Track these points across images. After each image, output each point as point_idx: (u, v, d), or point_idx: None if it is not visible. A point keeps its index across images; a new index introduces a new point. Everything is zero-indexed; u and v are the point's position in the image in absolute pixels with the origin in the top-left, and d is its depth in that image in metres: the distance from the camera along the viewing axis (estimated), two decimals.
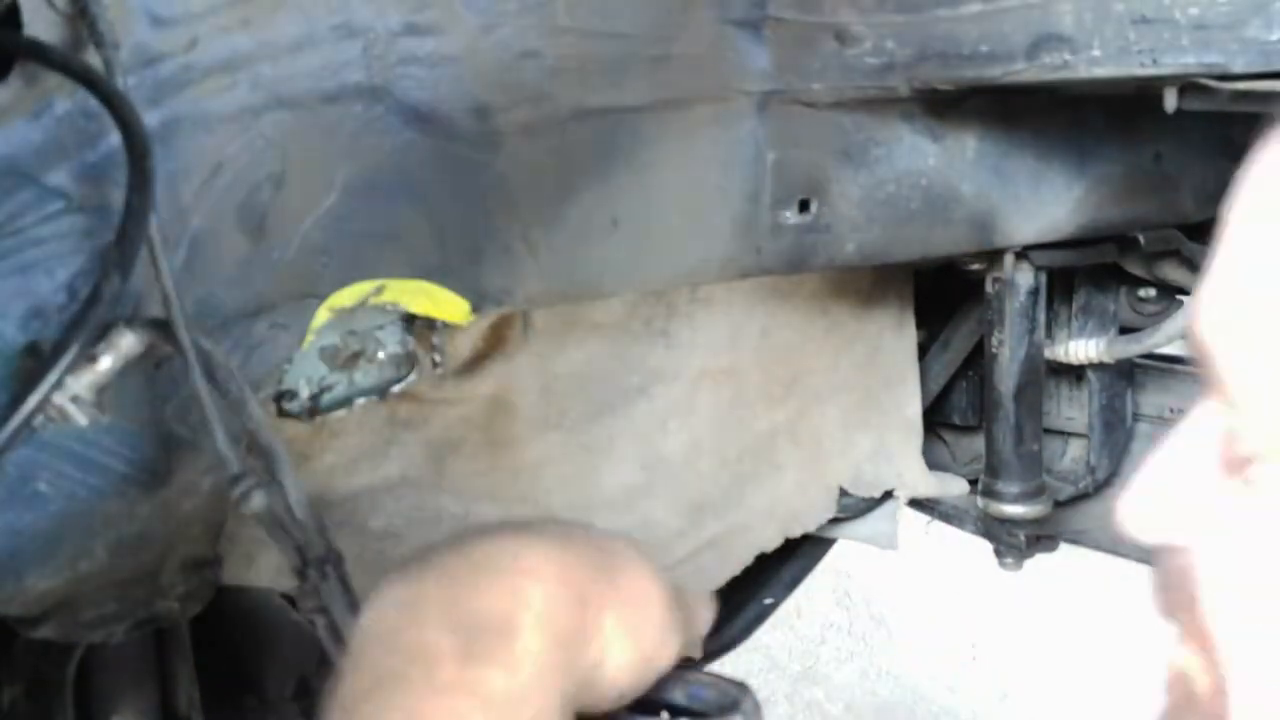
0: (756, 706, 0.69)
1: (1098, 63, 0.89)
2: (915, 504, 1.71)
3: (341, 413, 1.05)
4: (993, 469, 1.48)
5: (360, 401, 1.05)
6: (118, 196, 0.70)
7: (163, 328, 0.72)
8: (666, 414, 1.45)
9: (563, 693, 0.53)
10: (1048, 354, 1.49)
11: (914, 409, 1.62)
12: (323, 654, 1.61)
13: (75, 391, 0.68)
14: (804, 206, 1.08)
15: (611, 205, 0.98)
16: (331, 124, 0.84)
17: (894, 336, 1.58)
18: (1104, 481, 1.60)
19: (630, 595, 0.59)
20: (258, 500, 0.73)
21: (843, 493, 1.63)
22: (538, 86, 0.92)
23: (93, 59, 0.71)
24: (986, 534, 1.55)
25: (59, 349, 0.66)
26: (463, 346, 1.31)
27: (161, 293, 0.70)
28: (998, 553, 1.54)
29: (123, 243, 0.67)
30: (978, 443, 1.61)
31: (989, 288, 1.41)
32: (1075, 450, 1.63)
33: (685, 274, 1.06)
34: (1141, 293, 1.54)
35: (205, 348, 0.73)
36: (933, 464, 1.67)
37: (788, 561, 1.86)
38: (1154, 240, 1.39)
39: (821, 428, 1.58)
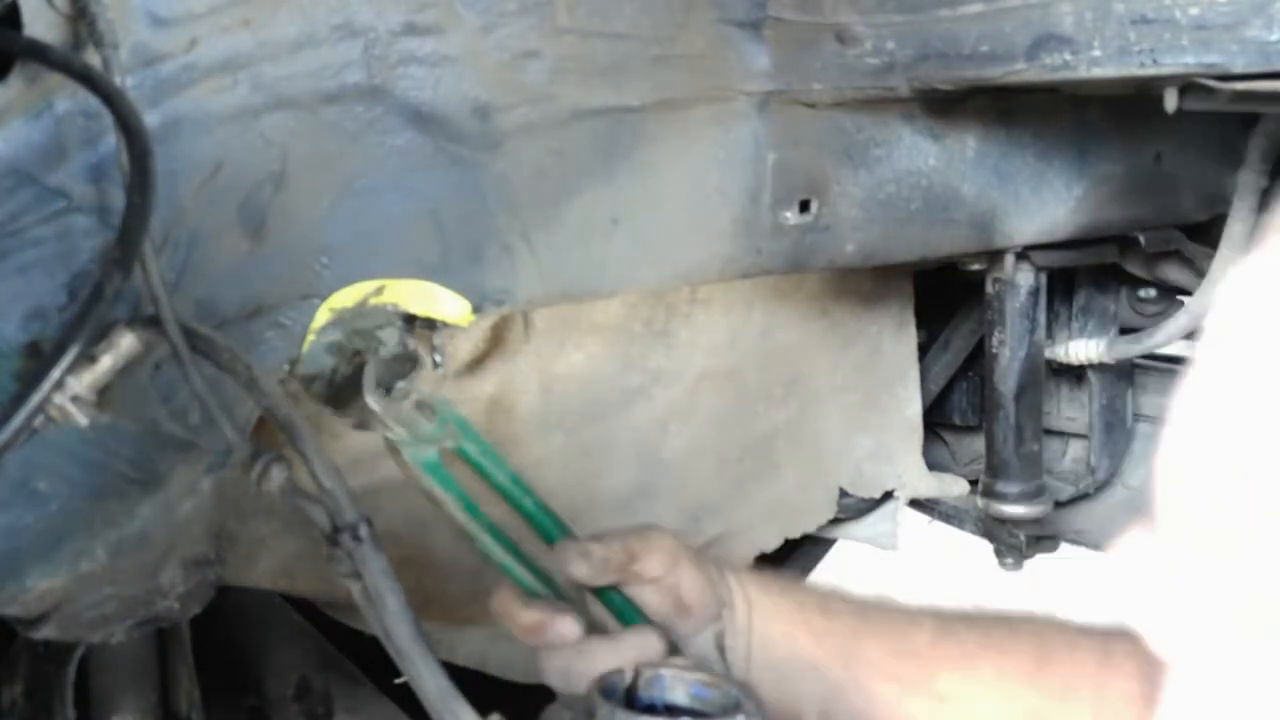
0: (759, 706, 0.69)
1: (1098, 63, 0.89)
2: (915, 504, 1.71)
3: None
4: (993, 469, 1.48)
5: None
6: (118, 196, 0.70)
7: (161, 325, 0.72)
8: (667, 415, 1.45)
9: None
10: (1048, 354, 1.49)
11: (914, 409, 1.62)
12: (323, 654, 1.61)
13: (75, 391, 0.68)
14: (804, 206, 1.08)
15: (611, 205, 0.98)
16: (331, 124, 0.84)
17: (894, 337, 1.58)
18: (1104, 482, 1.60)
19: None
20: (277, 475, 0.73)
21: (843, 493, 1.63)
22: (538, 86, 0.92)
23: (93, 59, 0.71)
24: (986, 534, 1.55)
25: (59, 349, 0.66)
26: (463, 347, 1.31)
27: (149, 287, 0.70)
28: (998, 553, 1.54)
29: (124, 242, 0.67)
30: (978, 443, 1.61)
31: (989, 288, 1.41)
32: (1075, 450, 1.63)
33: (685, 274, 1.06)
34: (1141, 293, 1.54)
35: (205, 334, 0.73)
36: (933, 464, 1.67)
37: (788, 561, 1.86)
38: (1154, 240, 1.39)
39: (822, 429, 1.58)
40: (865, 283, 1.53)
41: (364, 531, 0.71)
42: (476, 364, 1.32)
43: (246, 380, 0.72)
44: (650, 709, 0.75)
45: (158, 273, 0.70)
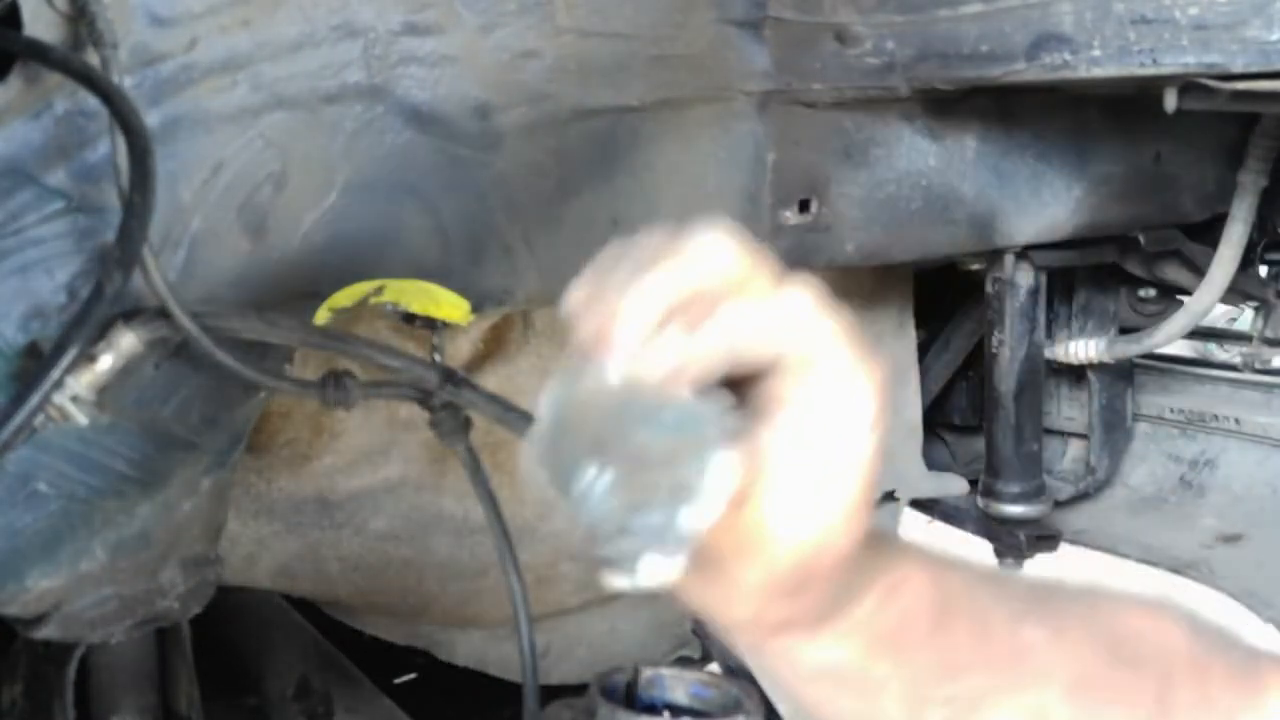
0: (760, 706, 0.69)
1: (1098, 63, 0.89)
2: (915, 504, 1.71)
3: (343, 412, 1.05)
4: (993, 469, 1.48)
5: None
6: (118, 196, 0.70)
7: (162, 316, 0.72)
8: None
9: None
10: (1048, 354, 1.49)
11: (914, 410, 1.62)
12: (323, 654, 1.61)
13: (75, 391, 0.68)
14: (804, 206, 1.08)
15: (611, 205, 0.98)
16: (331, 124, 0.84)
17: (894, 337, 1.58)
18: (1104, 481, 1.60)
19: None
20: (351, 386, 0.81)
21: None
22: (538, 86, 0.92)
23: (92, 59, 0.71)
24: (986, 534, 1.55)
25: (59, 349, 0.66)
26: (463, 347, 1.31)
27: (150, 285, 0.70)
28: (998, 553, 1.54)
29: (124, 242, 0.67)
30: (978, 443, 1.61)
31: (989, 288, 1.41)
32: (1075, 450, 1.63)
33: None
34: (1141, 293, 1.54)
35: (207, 312, 0.74)
36: (933, 464, 1.67)
37: None
38: (1154, 240, 1.39)
39: None
40: (865, 283, 1.53)
41: (456, 376, 0.74)
42: (476, 364, 1.32)
43: (267, 326, 0.73)
44: (650, 709, 0.75)
45: (158, 272, 0.70)
